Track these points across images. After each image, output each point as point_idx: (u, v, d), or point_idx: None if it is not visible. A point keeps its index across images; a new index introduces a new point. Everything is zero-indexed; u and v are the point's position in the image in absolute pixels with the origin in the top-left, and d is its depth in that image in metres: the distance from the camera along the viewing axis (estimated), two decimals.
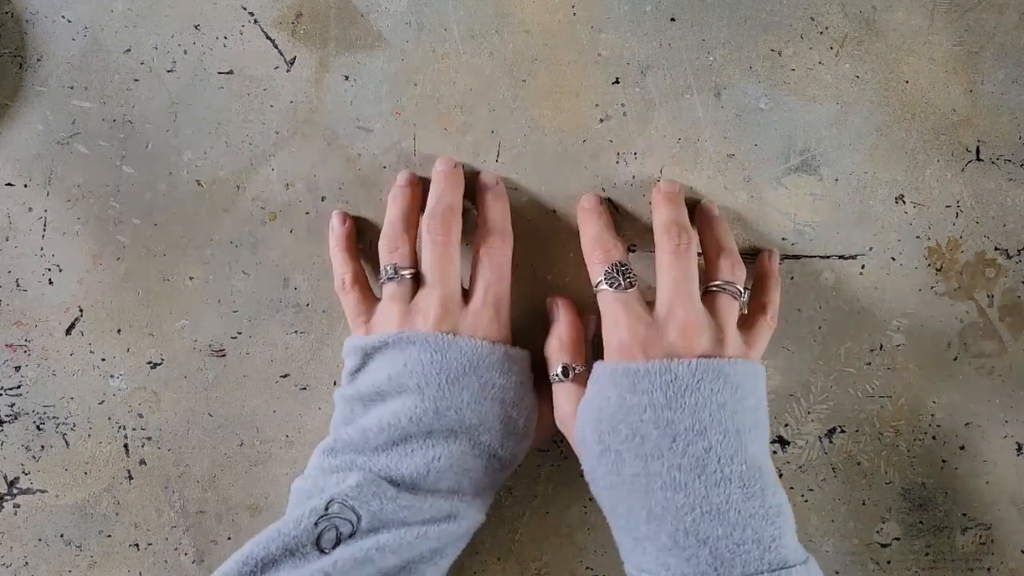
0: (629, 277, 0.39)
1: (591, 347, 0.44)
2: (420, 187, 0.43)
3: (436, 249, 0.40)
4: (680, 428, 0.35)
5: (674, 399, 0.36)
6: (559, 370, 0.41)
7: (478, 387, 0.38)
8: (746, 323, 0.41)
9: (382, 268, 0.41)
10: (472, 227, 0.43)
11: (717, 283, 0.40)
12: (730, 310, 0.39)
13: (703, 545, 0.34)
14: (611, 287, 0.39)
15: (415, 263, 0.41)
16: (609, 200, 0.45)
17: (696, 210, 0.44)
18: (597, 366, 0.39)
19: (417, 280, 0.41)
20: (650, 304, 0.39)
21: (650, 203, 0.44)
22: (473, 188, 0.44)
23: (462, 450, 0.38)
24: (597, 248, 0.41)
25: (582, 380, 0.40)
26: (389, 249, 0.41)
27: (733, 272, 0.40)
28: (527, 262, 0.45)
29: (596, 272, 0.40)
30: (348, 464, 0.38)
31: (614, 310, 0.39)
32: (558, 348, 0.42)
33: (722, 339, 0.38)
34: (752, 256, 0.45)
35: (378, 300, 0.42)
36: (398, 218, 0.42)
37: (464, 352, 0.38)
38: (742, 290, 0.40)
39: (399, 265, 0.41)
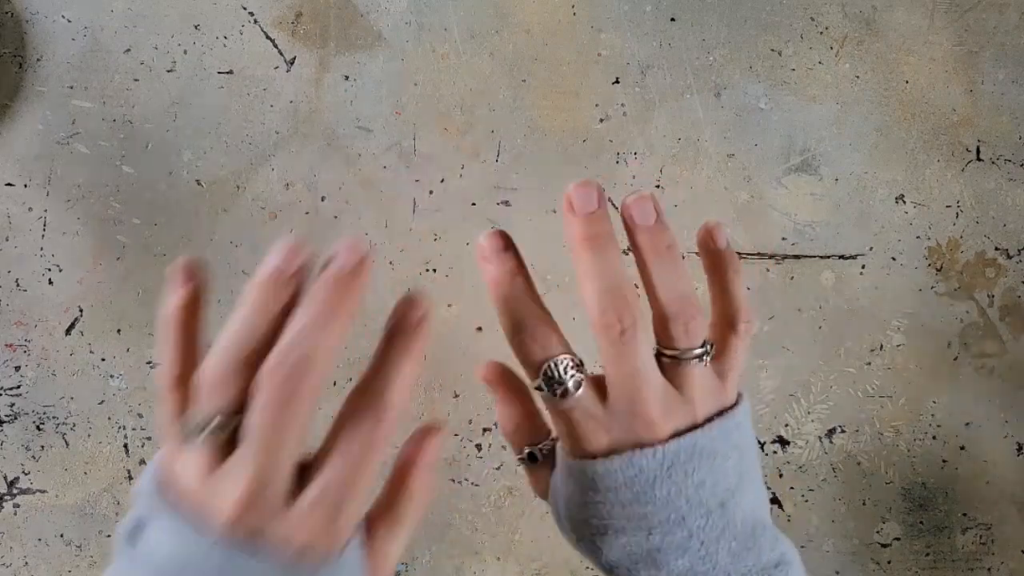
0: (572, 373, 0.30)
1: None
2: (297, 281, 0.27)
3: (269, 410, 0.26)
4: (655, 521, 0.31)
5: (642, 494, 0.30)
6: (525, 456, 0.34)
7: None
8: (715, 347, 0.33)
9: (193, 411, 0.26)
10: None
11: (670, 353, 0.31)
12: (693, 375, 0.31)
13: None
14: (551, 393, 0.30)
15: (242, 408, 0.26)
16: (609, 200, 0.45)
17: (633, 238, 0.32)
18: (558, 451, 0.32)
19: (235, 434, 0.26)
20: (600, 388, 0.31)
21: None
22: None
23: None
24: (525, 338, 0.31)
25: (551, 457, 0.34)
26: (215, 382, 0.26)
27: (688, 335, 0.30)
28: (527, 262, 0.45)
29: (528, 374, 0.31)
30: None
31: (562, 422, 0.31)
32: (514, 430, 0.34)
33: (692, 408, 0.31)
34: (753, 257, 0.45)
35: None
36: (245, 335, 0.27)
37: None
38: (705, 348, 0.31)
39: (223, 409, 0.26)
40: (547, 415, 0.34)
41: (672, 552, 0.31)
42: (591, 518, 0.31)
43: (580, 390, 0.30)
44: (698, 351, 0.31)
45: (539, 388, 0.31)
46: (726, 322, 0.33)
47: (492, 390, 0.34)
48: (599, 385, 0.31)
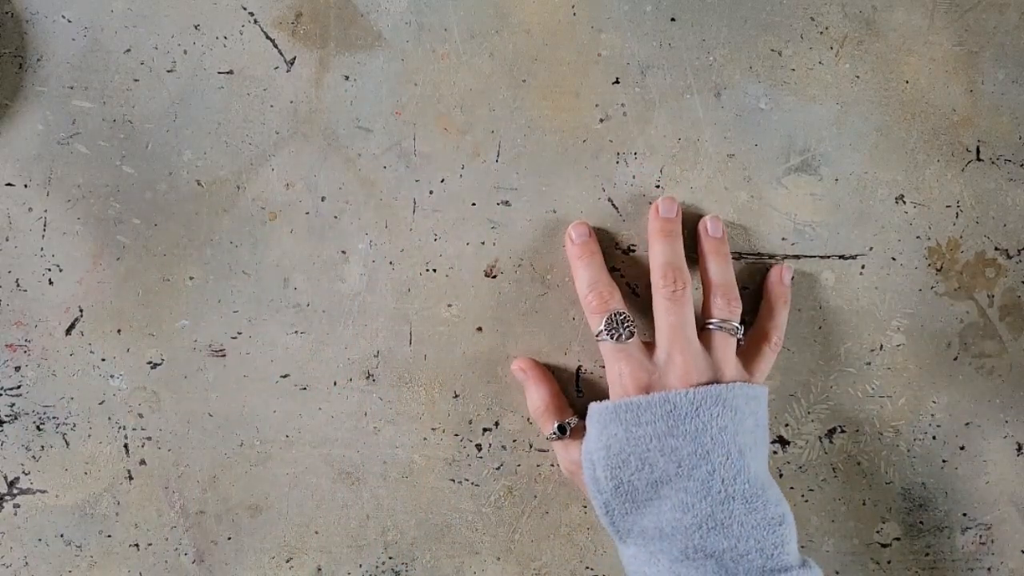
0: (628, 326, 0.40)
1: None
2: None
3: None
4: (684, 453, 0.37)
5: (675, 427, 0.37)
6: (555, 429, 0.42)
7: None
8: (749, 349, 0.42)
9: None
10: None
11: (713, 321, 0.41)
12: (726, 346, 0.40)
13: (710, 558, 0.37)
14: (612, 339, 0.40)
15: None
16: (610, 200, 0.45)
17: (698, 228, 0.44)
18: (593, 407, 0.40)
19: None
20: (647, 345, 0.41)
21: (650, 202, 0.44)
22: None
23: None
24: (593, 296, 0.41)
25: (579, 431, 0.42)
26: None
27: (729, 309, 0.41)
28: (527, 262, 0.45)
29: (595, 322, 0.41)
30: None
31: (618, 360, 0.40)
32: (545, 409, 0.43)
33: (720, 375, 0.39)
34: (755, 257, 0.45)
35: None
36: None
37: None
38: (738, 326, 0.41)
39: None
40: (569, 406, 0.44)
41: (697, 491, 0.37)
42: (631, 455, 0.38)
43: (633, 337, 0.40)
44: (733, 324, 0.40)
45: (600, 334, 0.40)
46: (763, 335, 0.43)
47: (524, 378, 0.43)
48: (647, 344, 0.41)
